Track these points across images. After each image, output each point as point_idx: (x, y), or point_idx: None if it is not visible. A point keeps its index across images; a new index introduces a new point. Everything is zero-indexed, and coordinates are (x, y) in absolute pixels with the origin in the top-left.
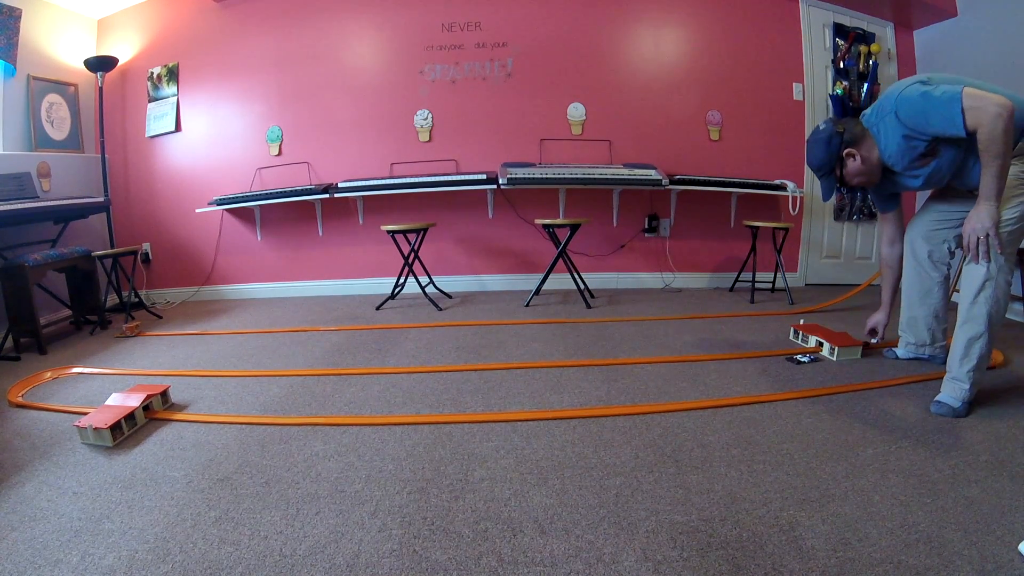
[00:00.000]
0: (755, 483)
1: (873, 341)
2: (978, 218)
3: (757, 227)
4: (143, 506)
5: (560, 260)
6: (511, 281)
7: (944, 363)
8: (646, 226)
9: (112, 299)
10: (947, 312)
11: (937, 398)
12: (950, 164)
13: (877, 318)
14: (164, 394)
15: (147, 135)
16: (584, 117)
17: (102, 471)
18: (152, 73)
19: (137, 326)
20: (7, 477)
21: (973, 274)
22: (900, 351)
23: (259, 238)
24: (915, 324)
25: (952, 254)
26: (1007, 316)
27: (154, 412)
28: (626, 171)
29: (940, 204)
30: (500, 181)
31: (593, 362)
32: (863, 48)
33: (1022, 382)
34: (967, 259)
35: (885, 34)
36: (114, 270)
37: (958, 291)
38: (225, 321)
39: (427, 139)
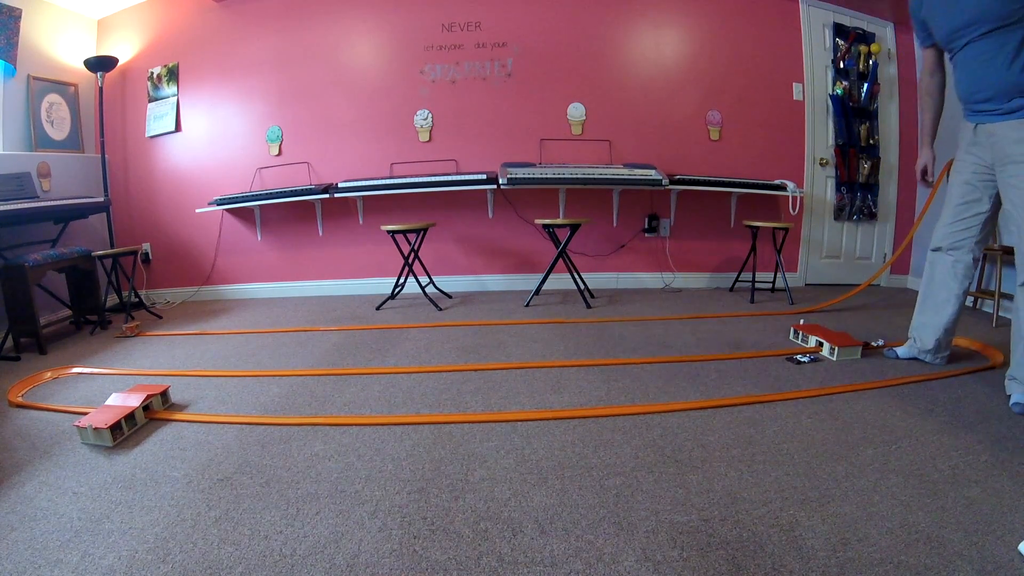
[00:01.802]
0: (755, 483)
1: (876, 343)
2: None
3: (757, 227)
4: (143, 506)
5: (560, 260)
6: (511, 281)
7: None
8: (646, 226)
9: (112, 299)
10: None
11: (1016, 399)
12: (983, 15)
13: (923, 157)
14: (164, 394)
15: (147, 135)
16: (584, 117)
17: (102, 471)
18: (152, 73)
19: (137, 326)
20: (7, 477)
21: None
22: (902, 350)
23: (259, 238)
24: (923, 330)
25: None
26: (1006, 316)
27: (154, 412)
28: (626, 171)
29: (957, 204)
30: (500, 181)
31: (593, 362)
32: (863, 48)
33: None
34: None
35: (885, 34)
36: (114, 270)
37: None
38: (225, 321)
39: (427, 139)
